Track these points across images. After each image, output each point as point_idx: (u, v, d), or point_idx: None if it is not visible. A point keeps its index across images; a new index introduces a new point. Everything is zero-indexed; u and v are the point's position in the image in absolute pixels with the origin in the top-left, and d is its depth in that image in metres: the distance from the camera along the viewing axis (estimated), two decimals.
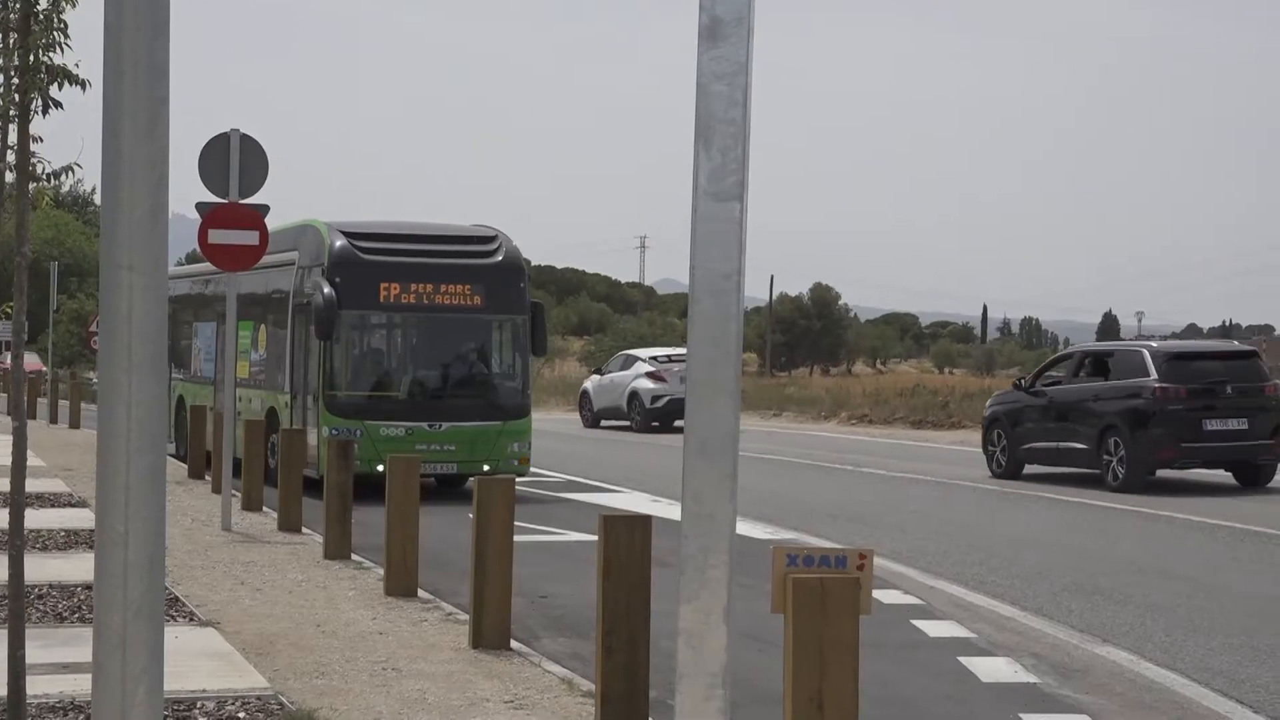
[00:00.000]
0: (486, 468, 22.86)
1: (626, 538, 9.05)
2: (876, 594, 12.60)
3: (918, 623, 13.16)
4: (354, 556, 16.27)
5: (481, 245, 24.26)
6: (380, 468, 20.61)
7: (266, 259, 25.40)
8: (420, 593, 13.92)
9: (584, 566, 15.16)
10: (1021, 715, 9.87)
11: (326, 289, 22.94)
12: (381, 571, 14.48)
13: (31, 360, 66.64)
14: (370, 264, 23.43)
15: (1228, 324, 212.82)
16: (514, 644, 11.55)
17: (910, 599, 14.43)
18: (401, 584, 13.86)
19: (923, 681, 11.00)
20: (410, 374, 24.04)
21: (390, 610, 13.09)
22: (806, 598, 5.95)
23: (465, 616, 12.13)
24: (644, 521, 9.22)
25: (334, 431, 22.36)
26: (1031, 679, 11.03)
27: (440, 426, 23.31)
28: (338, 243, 23.49)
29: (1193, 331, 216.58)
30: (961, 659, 11.67)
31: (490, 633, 11.43)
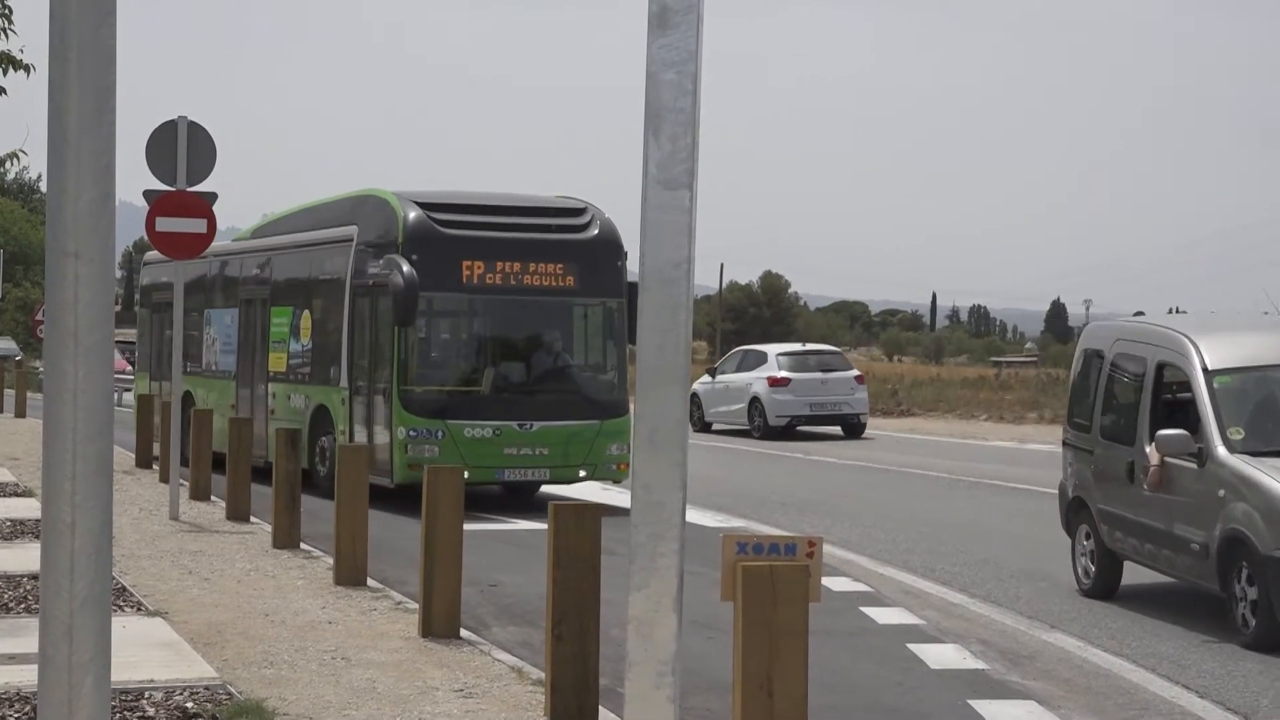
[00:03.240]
0: (583, 473, 20.55)
1: (576, 527, 9.04)
2: (826, 581, 12.64)
3: (867, 610, 13.21)
4: (303, 546, 16.22)
5: (573, 218, 21.33)
6: (465, 474, 18.82)
7: (309, 236, 23.50)
8: (370, 582, 13.88)
9: (534, 555, 15.16)
10: (970, 701, 9.92)
11: (406, 268, 19.79)
12: (331, 560, 14.44)
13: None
14: (451, 239, 20.37)
15: (1174, 312, 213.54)
16: (464, 633, 11.53)
17: (859, 586, 14.48)
18: (351, 573, 13.82)
19: (872, 668, 11.04)
20: (497, 366, 20.87)
21: (339, 599, 13.05)
22: (756, 585, 5.96)
23: (415, 605, 12.11)
24: (594, 510, 9.22)
25: (412, 433, 19.97)
26: (980, 665, 11.08)
27: (531, 426, 20.28)
28: (412, 214, 20.45)
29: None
30: (910, 646, 11.71)
31: (440, 621, 11.41)
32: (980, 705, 9.82)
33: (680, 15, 4.86)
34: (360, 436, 20.90)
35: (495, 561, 15.70)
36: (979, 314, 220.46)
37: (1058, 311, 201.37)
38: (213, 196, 18.96)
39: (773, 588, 5.97)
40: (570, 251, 20.84)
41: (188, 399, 26.54)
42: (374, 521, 14.45)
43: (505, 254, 20.50)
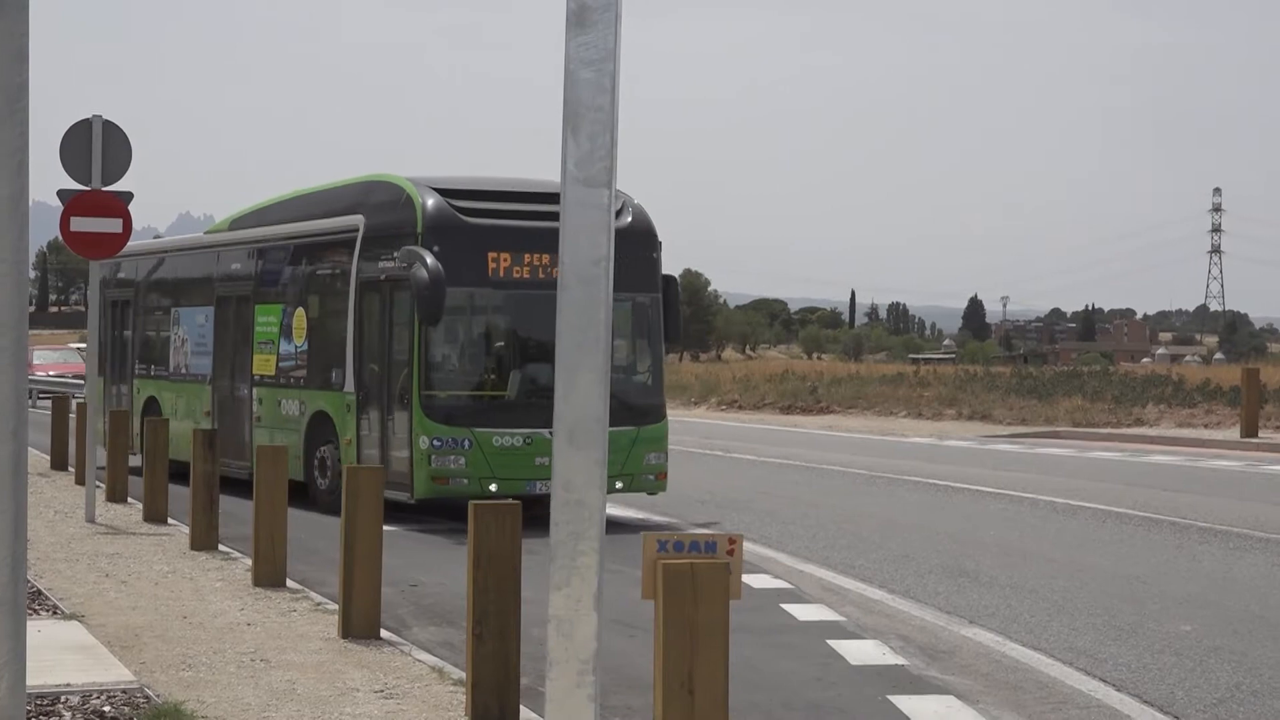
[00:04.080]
0: (620, 485, 18.78)
1: (496, 526, 9.03)
2: (746, 579, 12.67)
3: (787, 607, 13.25)
4: (221, 547, 16.11)
5: None
6: (494, 487, 18.02)
7: (303, 228, 21.67)
8: (289, 583, 13.80)
9: (454, 555, 15.14)
10: (889, 697, 9.97)
11: (430, 260, 18.00)
12: (249, 562, 14.35)
13: None
14: (475, 229, 18.70)
15: (1090, 308, 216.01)
16: (384, 633, 11.48)
17: (780, 583, 14.53)
18: (270, 574, 13.74)
19: (792, 665, 11.07)
20: (525, 369, 19.06)
21: (258, 601, 12.97)
22: (677, 583, 5.97)
23: (335, 606, 12.05)
24: (513, 510, 9.20)
25: (436, 443, 18.28)
26: (899, 661, 11.14)
27: None
28: (431, 202, 18.77)
29: (1056, 316, 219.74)
30: (830, 642, 11.76)
31: (360, 622, 11.36)
32: (900, 701, 9.87)
33: (598, 14, 4.87)
34: (371, 446, 19.37)
35: (416, 561, 15.65)
36: (898, 311, 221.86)
37: (975, 309, 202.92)
38: (128, 196, 18.79)
39: (693, 586, 5.98)
40: None
41: (151, 405, 25.30)
42: (293, 522, 14.37)
43: (533, 244, 18.76)
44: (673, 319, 19.78)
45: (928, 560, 16.03)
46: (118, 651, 10.65)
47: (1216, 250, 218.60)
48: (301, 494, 19.73)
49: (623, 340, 19.67)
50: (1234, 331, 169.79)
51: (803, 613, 13.04)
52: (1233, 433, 35.11)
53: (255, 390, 22.25)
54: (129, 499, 20.48)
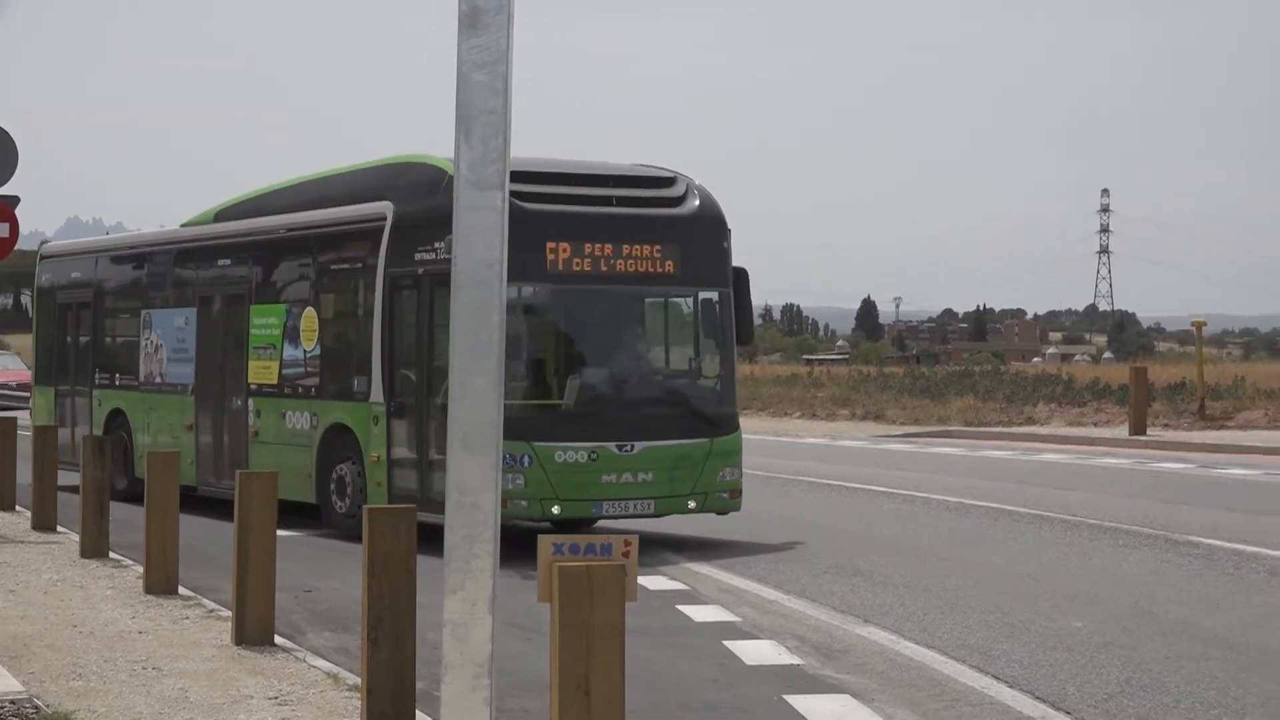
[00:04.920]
0: (692, 504, 16.90)
1: (391, 530, 8.98)
2: (642, 580, 12.68)
3: (683, 608, 13.28)
4: (112, 555, 15.91)
5: (665, 189, 17.61)
6: (556, 510, 16.28)
7: (314, 217, 19.35)
8: (181, 590, 13.67)
9: (349, 560, 15.03)
10: (785, 697, 10.01)
11: None
12: (141, 569, 14.19)
13: None
14: (532, 217, 16.37)
15: (981, 308, 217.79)
16: (278, 639, 11.40)
17: (676, 584, 14.55)
18: (162, 581, 13.60)
19: (688, 666, 11.10)
20: (589, 374, 17.01)
21: (150, 608, 12.84)
22: (572, 585, 5.96)
23: (228, 613, 11.95)
24: (409, 514, 9.16)
25: None
26: (795, 660, 11.18)
27: (631, 448, 16.50)
28: None
29: (949, 316, 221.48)
30: (726, 642, 11.79)
31: (253, 629, 11.27)
32: (795, 700, 9.91)
33: (491, 16, 4.86)
34: (405, 464, 17.21)
35: (310, 567, 15.55)
36: (792, 313, 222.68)
37: (868, 310, 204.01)
38: (15, 200, 18.53)
39: (589, 588, 5.98)
40: (670, 230, 17.14)
41: (118, 418, 22.97)
42: (185, 528, 14.23)
43: (594, 234, 16.77)
44: (745, 317, 17.69)
45: (822, 560, 16.11)
46: (6, 662, 10.51)
47: (1105, 250, 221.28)
48: (307, 516, 18.69)
49: (690, 341, 17.81)
50: (1122, 331, 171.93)
51: (699, 614, 13.07)
52: (1121, 431, 35.55)
53: (252, 401, 19.90)
54: (17, 507, 20.18)
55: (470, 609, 4.45)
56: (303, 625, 12.57)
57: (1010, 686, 10.29)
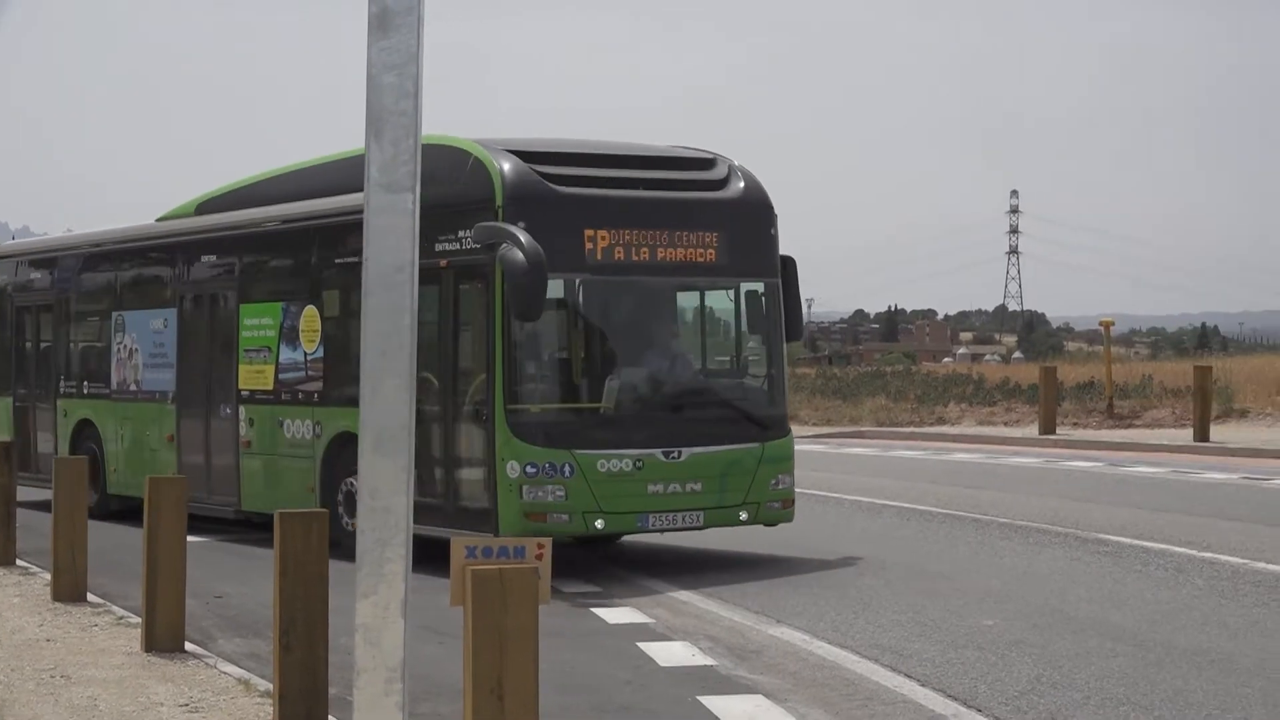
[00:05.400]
0: (744, 516, 15.59)
1: (303, 534, 8.93)
2: (555, 583, 12.65)
3: (597, 610, 13.28)
4: (19, 562, 15.74)
5: (706, 171, 16.33)
6: (600, 524, 14.89)
7: (314, 207, 17.85)
8: (90, 597, 13.54)
9: (261, 565, 14.94)
10: (699, 698, 10.03)
11: (524, 237, 14.44)
12: (48, 576, 14.04)
13: None
14: (569, 202, 15.17)
15: (893, 309, 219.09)
16: (189, 646, 11.31)
17: (589, 586, 14.56)
18: (70, 588, 13.46)
19: (603, 668, 11.10)
20: (632, 375, 15.58)
21: (58, 616, 12.71)
22: (485, 589, 5.95)
23: (138, 620, 11.84)
24: (320, 518, 9.11)
25: (530, 469, 14.68)
26: (709, 661, 11.21)
27: (679, 455, 15.15)
28: (508, 167, 15.15)
29: (860, 317, 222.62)
30: (640, 644, 11.81)
31: (163, 635, 11.18)
32: (709, 701, 9.93)
33: (401, 17, 4.85)
34: (429, 477, 15.63)
35: (221, 572, 15.44)
36: None
37: None
38: None
39: (502, 591, 5.97)
40: (715, 216, 15.85)
41: (86, 430, 21.36)
42: (96, 534, 14.10)
43: (635, 220, 15.42)
44: (794, 309, 16.38)
45: (734, 561, 16.15)
46: None
47: (1014, 251, 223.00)
48: (219, 521, 18.37)
49: (742, 336, 16.54)
50: (1032, 331, 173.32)
51: (613, 615, 13.08)
52: (1031, 430, 35.84)
53: (243, 409, 18.39)
54: None
55: (383, 613, 4.43)
56: (214, 631, 12.48)
57: (922, 685, 10.35)
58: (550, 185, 15.08)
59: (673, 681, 10.61)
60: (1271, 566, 14.95)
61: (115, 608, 13.13)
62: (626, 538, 17.13)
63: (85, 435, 21.27)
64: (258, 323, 18.32)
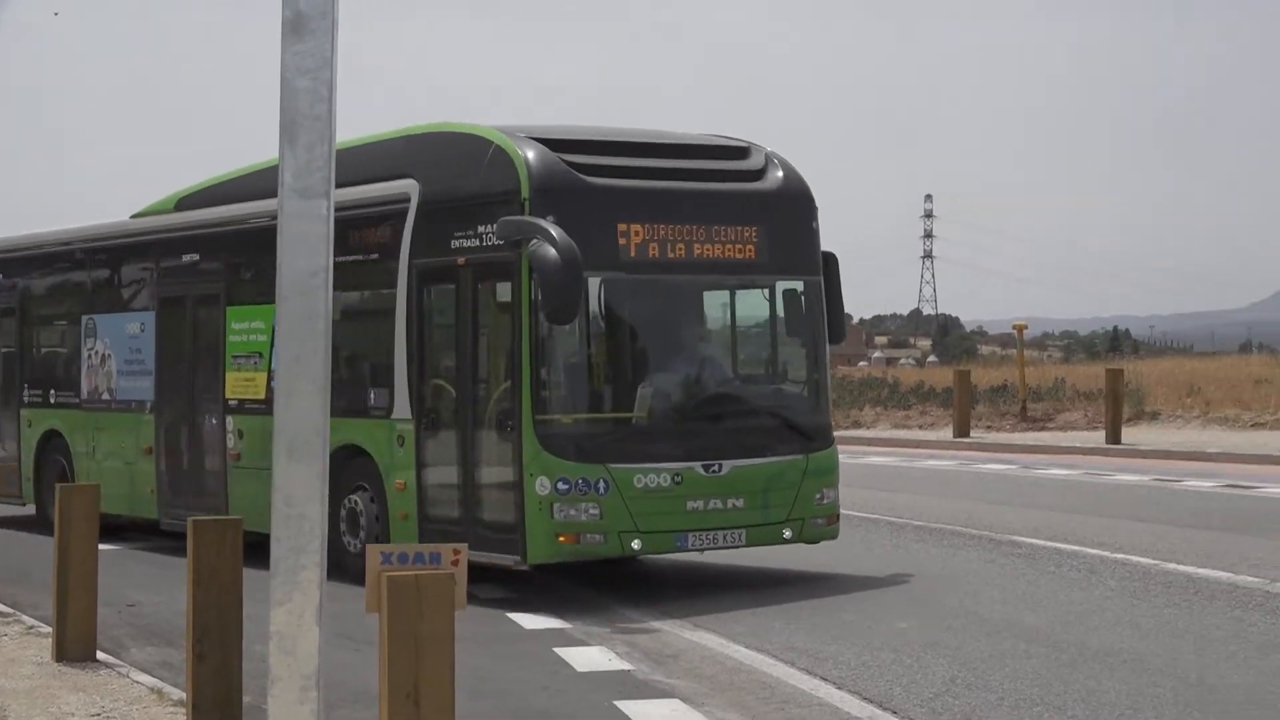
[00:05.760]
0: (788, 533, 14.50)
1: (216, 542, 8.87)
2: (472, 588, 12.58)
3: (514, 615, 13.25)
4: None
5: (742, 161, 15.23)
6: (636, 544, 13.81)
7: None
8: (0, 606, 13.38)
9: (175, 573, 14.81)
10: (616, 702, 10.03)
11: (556, 233, 13.32)
12: None
13: None
14: (601, 193, 14.06)
15: None
16: (101, 655, 11.20)
17: (506, 593, 14.51)
18: None
19: (519, 673, 11.08)
20: (668, 382, 14.45)
21: None
22: (401, 595, 5.92)
23: (48, 629, 11.71)
24: (234, 525, 9.05)
25: (562, 485, 13.51)
26: (625, 666, 11.21)
27: (720, 469, 14.08)
28: (533, 155, 13.95)
29: None
30: (557, 649, 11.79)
31: (75, 644, 11.06)
32: (626, 705, 9.94)
33: (315, 21, 4.82)
34: (443, 493, 14.57)
35: (133, 581, 15.29)
36: None
37: None
38: None
39: (418, 597, 5.94)
40: (754, 209, 14.77)
41: (53, 441, 19.98)
42: (4, 544, 13.93)
43: (672, 214, 14.29)
44: (836, 309, 15.40)
45: (651, 566, 16.16)
46: None
47: (929, 255, 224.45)
48: (133, 529, 17.88)
49: (779, 340, 15.40)
50: (946, 334, 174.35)
51: (529, 621, 13.05)
52: (946, 433, 36.07)
53: (231, 420, 17.04)
54: None
55: (297, 621, 4.40)
56: (126, 640, 12.36)
57: (838, 688, 10.39)
58: (580, 176, 13.98)
59: (589, 686, 10.60)
60: (1181, 567, 15.11)
61: (25, 617, 12.98)
62: None
63: (52, 447, 19.95)
64: (248, 327, 17.00)
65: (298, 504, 4.47)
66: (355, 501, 15.27)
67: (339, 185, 16.52)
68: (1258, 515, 19.48)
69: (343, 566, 14.38)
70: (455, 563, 6.17)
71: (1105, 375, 33.57)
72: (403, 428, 14.77)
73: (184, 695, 9.34)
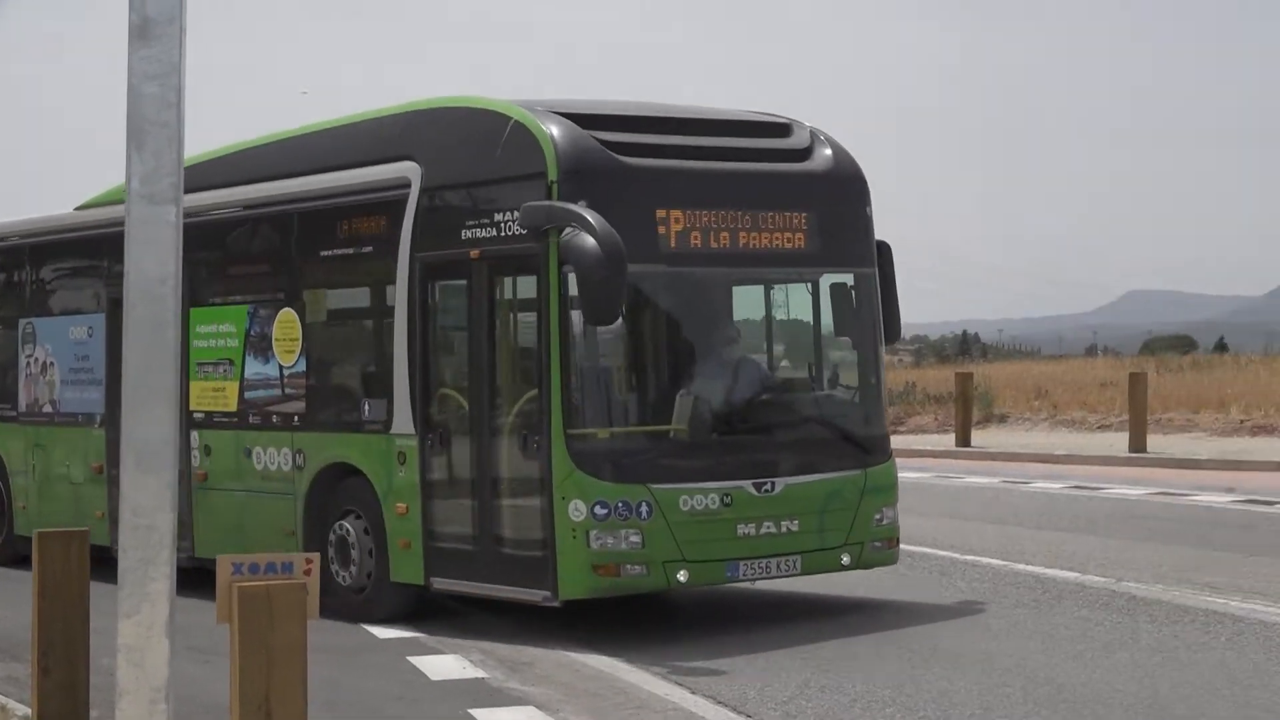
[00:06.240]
0: (846, 559, 12.92)
1: (62, 554, 8.72)
2: (324, 598, 12.43)
3: (368, 626, 13.15)
4: None
5: (785, 139, 13.51)
6: (683, 576, 12.09)
7: (287, 188, 14.63)
8: None
9: (21, 587, 14.55)
10: (470, 710, 9.99)
11: (596, 220, 11.64)
12: None
13: None
14: (633, 173, 12.35)
15: None
16: None
17: None
18: None
19: (373, 683, 11.01)
20: (713, 389, 12.75)
21: None
22: (252, 606, 5.86)
23: None
24: (81, 536, 8.90)
25: (600, 510, 11.79)
26: (480, 674, 11.17)
27: (773, 487, 12.44)
28: (558, 132, 12.23)
29: None
30: (411, 658, 11.73)
31: None
32: (481, 714, 9.91)
33: (162, 27, 4.76)
34: (455, 518, 12.83)
35: None
36: None
37: None
38: None
39: (269, 608, 5.88)
40: (803, 192, 13.13)
41: None
42: None
43: (715, 199, 12.62)
44: (892, 305, 13.68)
45: None
46: None
47: None
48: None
49: (830, 340, 13.70)
50: None
51: (382, 631, 12.96)
52: None
53: (197, 435, 15.02)
54: None
55: (146, 633, 4.34)
56: None
57: (693, 693, 10.43)
58: (614, 155, 12.27)
59: (443, 695, 10.56)
60: (1030, 568, 15.34)
61: None
62: None
63: None
64: (214, 330, 15.11)
65: (146, 514, 4.41)
66: (346, 529, 13.57)
67: (324, 169, 14.01)
68: (1104, 516, 19.83)
69: (333, 600, 12.89)
70: (308, 572, 6.12)
71: (955, 379, 33.99)
72: (404, 444, 13.02)
73: (29, 710, 9.17)
